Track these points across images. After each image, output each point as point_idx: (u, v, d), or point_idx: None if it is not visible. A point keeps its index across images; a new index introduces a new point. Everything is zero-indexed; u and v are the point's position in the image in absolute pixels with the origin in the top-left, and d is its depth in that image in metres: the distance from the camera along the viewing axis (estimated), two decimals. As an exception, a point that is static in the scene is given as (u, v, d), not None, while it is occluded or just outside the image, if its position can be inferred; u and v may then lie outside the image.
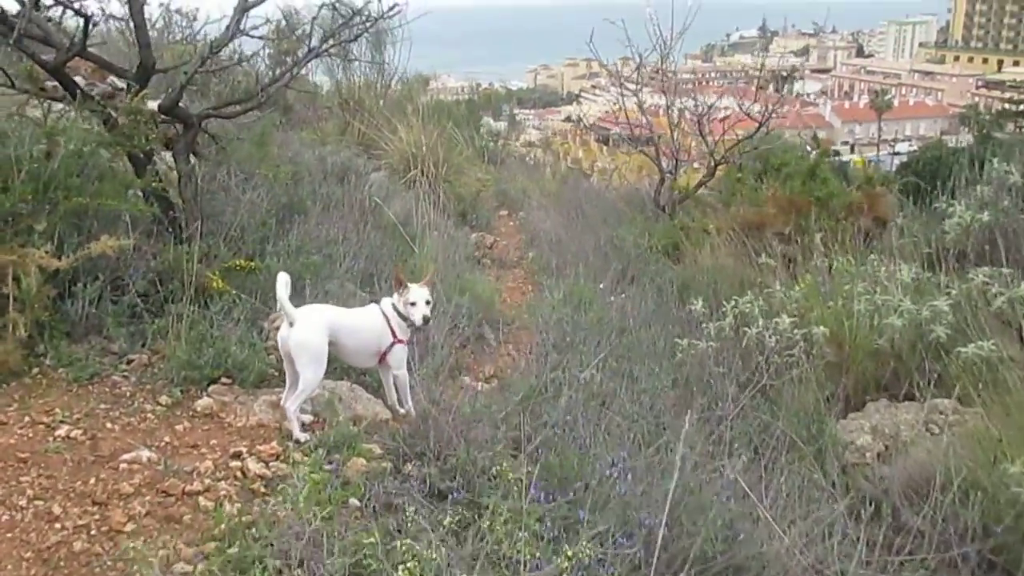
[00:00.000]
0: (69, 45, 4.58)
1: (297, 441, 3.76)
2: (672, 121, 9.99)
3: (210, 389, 4.11)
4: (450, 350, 5.44)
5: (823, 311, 4.96)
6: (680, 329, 5.88)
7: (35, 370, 3.97)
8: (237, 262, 4.98)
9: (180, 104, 5.05)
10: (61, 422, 3.59)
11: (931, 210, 6.75)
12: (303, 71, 8.71)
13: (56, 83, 4.85)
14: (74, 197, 4.32)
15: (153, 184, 4.85)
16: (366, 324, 4.14)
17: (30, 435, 3.45)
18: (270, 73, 9.60)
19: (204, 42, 9.51)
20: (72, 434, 3.50)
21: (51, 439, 3.45)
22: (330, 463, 3.60)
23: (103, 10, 5.82)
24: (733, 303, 5.12)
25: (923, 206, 7.44)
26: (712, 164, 9.59)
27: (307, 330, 3.87)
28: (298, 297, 5.28)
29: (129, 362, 4.24)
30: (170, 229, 4.97)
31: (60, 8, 4.77)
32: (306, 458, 3.61)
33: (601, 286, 6.76)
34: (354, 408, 4.21)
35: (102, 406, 3.79)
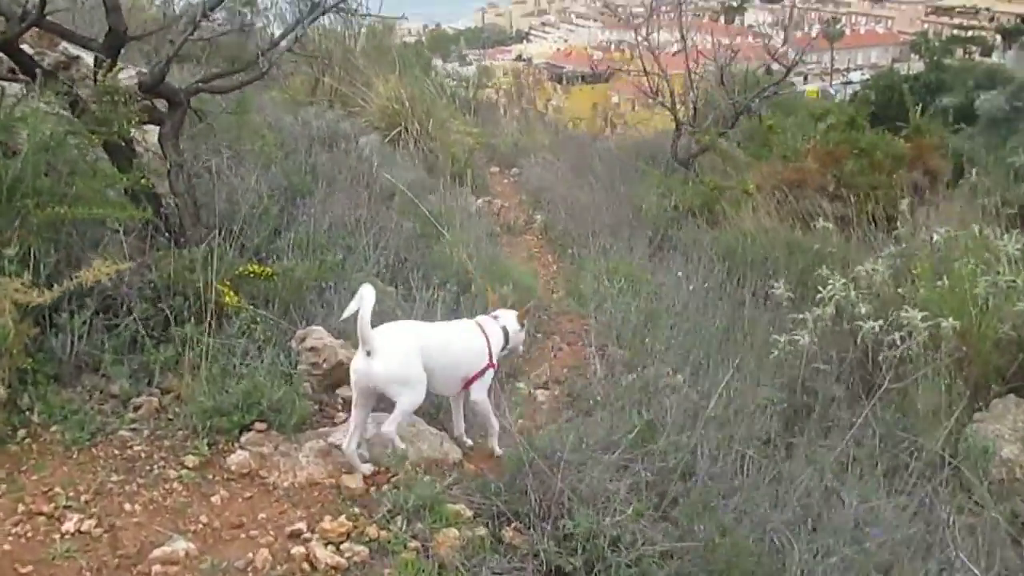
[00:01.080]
0: (23, 13, 3.63)
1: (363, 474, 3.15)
2: (689, 66, 9.15)
3: (243, 439, 3.32)
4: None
5: (933, 294, 4.31)
6: (751, 311, 5.21)
7: (21, 432, 3.11)
8: (250, 267, 4.14)
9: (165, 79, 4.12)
10: (66, 508, 2.78)
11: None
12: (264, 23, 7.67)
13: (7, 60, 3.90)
14: (48, 206, 3.42)
15: (141, 180, 3.95)
16: (464, 344, 3.44)
17: (29, 534, 2.64)
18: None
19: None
20: (83, 526, 2.69)
21: (57, 537, 2.65)
22: (414, 537, 2.90)
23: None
24: (829, 287, 4.44)
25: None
26: (734, 113, 8.84)
27: (397, 359, 3.14)
28: (321, 301, 4.49)
29: (136, 408, 3.41)
30: (166, 232, 4.09)
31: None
32: (384, 532, 2.90)
33: (656, 270, 6.04)
34: (419, 448, 3.46)
35: (114, 478, 2.98)
